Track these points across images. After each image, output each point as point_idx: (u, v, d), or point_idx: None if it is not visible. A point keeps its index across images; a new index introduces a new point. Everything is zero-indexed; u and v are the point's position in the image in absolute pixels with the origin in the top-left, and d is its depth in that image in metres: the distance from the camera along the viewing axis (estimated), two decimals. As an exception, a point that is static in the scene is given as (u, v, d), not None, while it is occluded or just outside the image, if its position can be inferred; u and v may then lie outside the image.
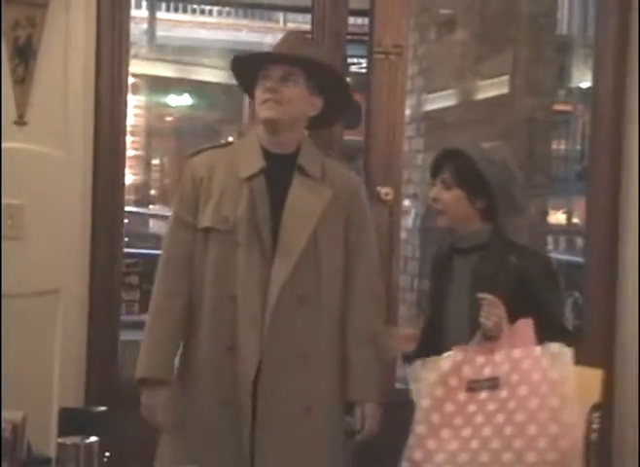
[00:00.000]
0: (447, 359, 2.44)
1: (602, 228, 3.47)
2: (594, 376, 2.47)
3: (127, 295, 3.30)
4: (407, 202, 5.62)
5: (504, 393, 2.37)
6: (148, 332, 2.64)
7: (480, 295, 2.45)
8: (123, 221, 3.26)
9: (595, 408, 2.41)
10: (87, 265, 3.12)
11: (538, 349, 2.39)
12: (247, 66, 2.66)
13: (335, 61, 3.12)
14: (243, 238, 2.55)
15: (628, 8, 3.43)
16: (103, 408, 2.74)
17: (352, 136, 3.66)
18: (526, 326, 2.42)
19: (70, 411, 2.75)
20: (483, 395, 2.38)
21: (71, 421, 2.63)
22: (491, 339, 2.44)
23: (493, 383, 2.38)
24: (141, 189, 9.92)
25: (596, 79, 3.55)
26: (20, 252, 2.96)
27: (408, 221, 5.90)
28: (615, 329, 3.43)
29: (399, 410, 2.52)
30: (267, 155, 2.61)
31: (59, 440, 2.38)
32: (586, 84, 5.45)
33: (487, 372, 2.41)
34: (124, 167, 3.24)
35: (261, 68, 2.60)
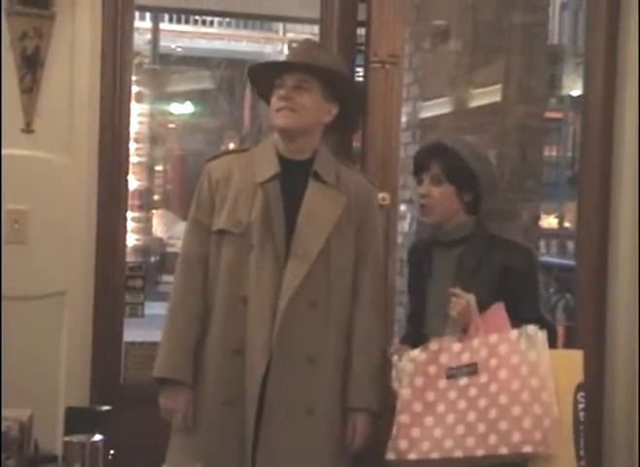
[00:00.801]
0: (424, 350, 2.47)
1: (593, 232, 3.51)
2: (576, 356, 2.45)
3: (131, 297, 3.34)
4: (403, 207, 5.66)
5: (484, 378, 2.38)
6: (167, 331, 2.65)
7: (451, 290, 2.49)
8: (126, 225, 3.31)
9: (579, 387, 2.40)
10: (92, 268, 3.17)
11: (514, 333, 2.40)
12: (263, 75, 2.69)
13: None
14: (256, 241, 2.57)
15: (617, 18, 3.48)
16: (108, 407, 2.80)
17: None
18: (499, 310, 2.45)
19: (76, 410, 2.80)
20: (464, 381, 2.40)
21: (77, 420, 2.69)
22: (464, 329, 2.48)
23: (472, 369, 2.40)
24: (145, 194, 9.96)
25: (586, 87, 3.60)
26: (27, 256, 3.02)
27: (405, 225, 5.95)
28: (605, 330, 3.47)
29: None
30: (283, 160, 2.64)
31: (65, 438, 2.44)
32: (576, 92, 5.51)
33: (465, 358, 2.43)
34: (127, 173, 3.29)
35: (276, 77, 2.63)
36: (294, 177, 2.63)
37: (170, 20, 11.24)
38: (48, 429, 2.81)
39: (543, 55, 5.99)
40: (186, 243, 2.69)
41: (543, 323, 2.47)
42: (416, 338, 2.63)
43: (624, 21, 3.48)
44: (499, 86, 5.89)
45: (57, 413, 2.94)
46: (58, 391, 3.07)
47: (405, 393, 2.45)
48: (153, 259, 10.76)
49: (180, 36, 11.40)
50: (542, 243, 7.43)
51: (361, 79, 3.37)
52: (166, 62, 11.59)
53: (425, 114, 6.11)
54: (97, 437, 2.44)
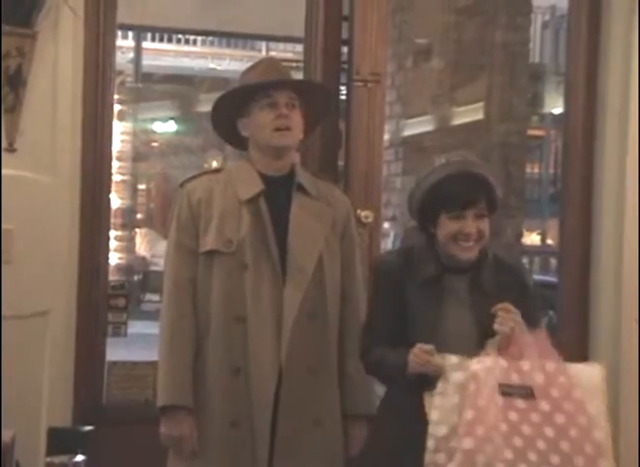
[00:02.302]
0: (477, 362, 2.29)
1: (575, 248, 3.54)
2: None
3: (114, 317, 3.33)
4: (386, 225, 5.68)
5: (545, 406, 2.25)
6: (165, 357, 2.58)
7: (500, 305, 2.33)
8: (108, 244, 3.30)
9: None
10: (74, 287, 3.16)
11: (575, 367, 2.32)
12: (234, 102, 2.64)
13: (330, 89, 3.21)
14: (251, 260, 2.55)
15: (597, 37, 3.52)
16: (90, 427, 2.79)
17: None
18: (544, 338, 2.33)
19: (58, 430, 2.79)
20: (520, 403, 2.25)
21: (59, 440, 2.67)
22: (504, 348, 2.32)
23: (527, 392, 2.26)
24: (128, 213, 9.94)
25: (567, 105, 3.64)
26: (11, 275, 2.98)
27: (387, 243, 5.96)
28: (587, 346, 3.49)
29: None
30: (264, 177, 2.62)
31: (47, 459, 2.43)
32: (558, 109, 5.55)
33: (515, 378, 2.28)
34: (109, 192, 3.29)
35: (258, 96, 2.60)
36: (277, 193, 2.62)
37: (153, 39, 11.25)
38: (30, 450, 2.79)
39: (524, 74, 6.04)
40: (172, 268, 2.62)
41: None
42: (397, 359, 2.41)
43: (605, 40, 3.52)
44: (481, 104, 5.93)
45: (40, 434, 2.92)
46: (41, 411, 3.04)
47: (468, 415, 2.24)
48: (136, 277, 10.74)
49: (163, 55, 11.40)
50: (524, 260, 7.45)
51: (342, 97, 3.39)
52: (149, 81, 11.59)
53: (408, 132, 6.14)
54: (79, 457, 2.44)
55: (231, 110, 2.67)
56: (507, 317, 2.33)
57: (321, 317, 2.60)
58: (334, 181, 3.00)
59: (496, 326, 2.32)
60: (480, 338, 2.38)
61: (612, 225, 3.47)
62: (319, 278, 2.60)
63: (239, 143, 2.72)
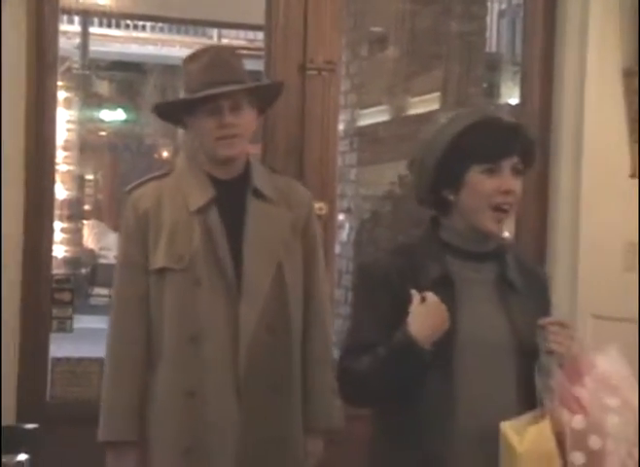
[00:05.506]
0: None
1: (531, 242, 3.50)
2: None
3: (59, 311, 3.24)
4: (341, 217, 5.66)
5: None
6: (108, 388, 2.42)
7: (550, 319, 1.90)
8: (52, 236, 3.21)
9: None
10: (18, 281, 3.08)
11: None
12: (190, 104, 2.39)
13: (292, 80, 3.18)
14: (204, 277, 2.36)
15: (553, 27, 3.51)
16: (34, 425, 2.72)
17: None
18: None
19: (1, 428, 2.71)
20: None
21: (2, 439, 2.60)
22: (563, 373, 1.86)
23: None
24: (74, 204, 9.80)
25: (523, 95, 3.62)
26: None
27: (343, 235, 5.94)
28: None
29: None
30: (214, 181, 2.41)
31: (-10, 458, 2.35)
32: (514, 100, 5.56)
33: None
34: (53, 182, 3.21)
35: (200, 101, 2.35)
36: (230, 198, 2.41)
37: (100, 24, 11.10)
38: (-29, 450, 2.70)
39: (480, 64, 6.07)
40: (118, 286, 2.44)
41: None
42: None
43: (561, 30, 3.51)
44: (437, 94, 5.94)
45: (-19, 433, 2.83)
46: (-18, 410, 2.97)
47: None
48: (84, 271, 10.59)
49: (111, 41, 11.26)
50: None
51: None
52: (97, 67, 11.46)
53: (363, 122, 6.13)
54: (23, 456, 2.37)
55: (174, 107, 2.48)
56: (564, 334, 1.88)
57: (282, 331, 2.41)
58: (297, 174, 2.88)
59: (553, 346, 1.87)
60: (519, 345, 1.91)
61: (568, 217, 3.46)
62: (279, 290, 2.41)
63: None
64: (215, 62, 2.38)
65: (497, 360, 1.92)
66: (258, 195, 2.43)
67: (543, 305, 2.02)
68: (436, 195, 1.99)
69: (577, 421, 1.81)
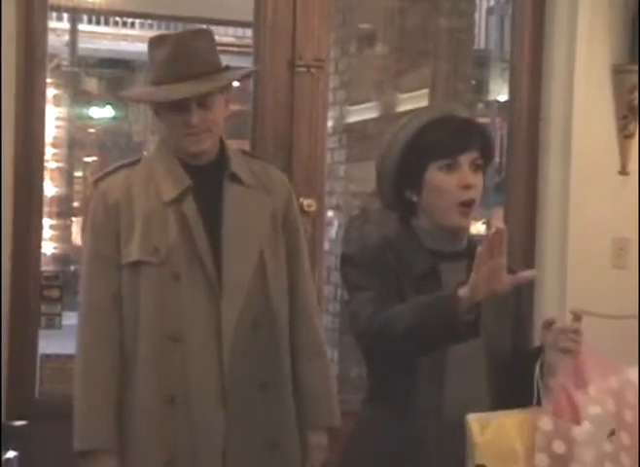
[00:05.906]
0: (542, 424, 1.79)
1: (520, 237, 3.52)
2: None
3: (47, 308, 3.23)
4: (329, 213, 5.65)
5: (626, 439, 1.84)
6: (80, 392, 2.26)
7: (572, 310, 1.86)
8: (41, 233, 3.20)
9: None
10: (7, 278, 3.06)
11: (633, 372, 1.88)
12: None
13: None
14: (183, 270, 2.23)
15: (542, 23, 3.52)
16: (22, 422, 2.71)
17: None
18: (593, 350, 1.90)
19: (-10, 426, 2.71)
20: (608, 447, 1.82)
21: (-10, 436, 2.59)
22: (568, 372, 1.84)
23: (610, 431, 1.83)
24: (64, 201, 9.77)
25: (512, 92, 3.63)
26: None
27: (331, 232, 5.93)
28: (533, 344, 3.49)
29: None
30: (188, 168, 2.29)
31: (-22, 455, 2.34)
32: (503, 97, 5.57)
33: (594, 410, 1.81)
34: (42, 179, 3.20)
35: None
36: (206, 185, 2.28)
37: (89, 22, 11.07)
38: (-41, 447, 2.70)
39: (469, 60, 6.07)
40: (89, 284, 2.28)
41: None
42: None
43: (549, 27, 3.52)
44: (426, 90, 5.93)
45: (-30, 431, 2.82)
46: (-29, 407, 2.96)
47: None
48: (73, 268, 10.54)
49: (100, 38, 11.23)
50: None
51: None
52: (86, 65, 11.42)
53: (352, 119, 6.12)
54: (11, 453, 2.36)
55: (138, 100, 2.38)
56: (577, 332, 1.84)
57: (267, 325, 2.29)
58: (286, 171, 2.79)
59: (569, 344, 1.83)
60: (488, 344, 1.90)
61: (556, 213, 3.47)
62: (261, 281, 2.28)
63: None
64: (180, 52, 2.24)
65: (473, 357, 1.93)
66: (235, 179, 2.31)
67: (515, 301, 2.01)
68: (399, 196, 1.99)
69: (545, 422, 1.80)
